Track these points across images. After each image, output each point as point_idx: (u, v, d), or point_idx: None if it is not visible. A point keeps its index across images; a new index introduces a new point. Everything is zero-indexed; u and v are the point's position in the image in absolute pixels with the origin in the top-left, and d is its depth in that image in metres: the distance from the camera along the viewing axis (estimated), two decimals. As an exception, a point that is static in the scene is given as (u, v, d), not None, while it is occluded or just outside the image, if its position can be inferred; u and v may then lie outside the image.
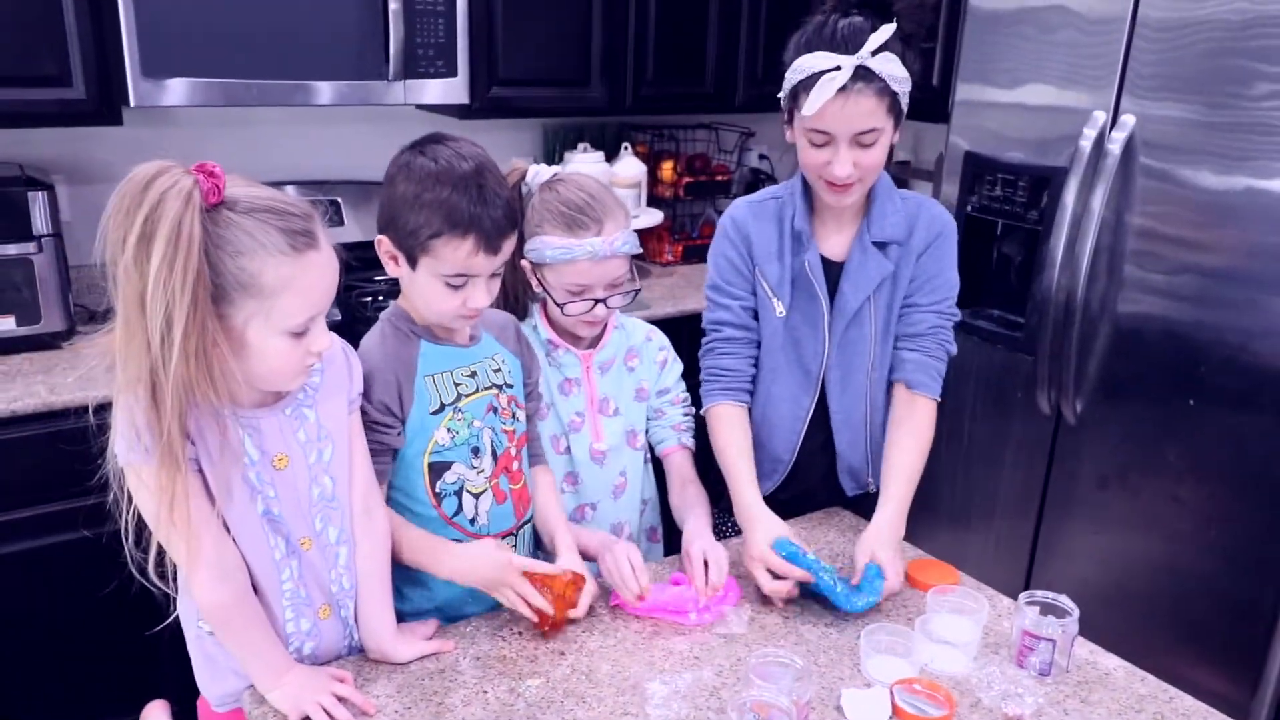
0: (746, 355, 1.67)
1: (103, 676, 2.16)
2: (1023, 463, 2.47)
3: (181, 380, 1.03)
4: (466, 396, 1.39)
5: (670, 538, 1.78)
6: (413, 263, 1.31)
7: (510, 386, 1.46)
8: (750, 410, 1.71)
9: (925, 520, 2.66)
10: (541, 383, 1.61)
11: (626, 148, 3.13)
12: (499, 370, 1.45)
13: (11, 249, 2.16)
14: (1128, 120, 2.14)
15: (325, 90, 2.43)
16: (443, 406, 1.37)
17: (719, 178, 3.37)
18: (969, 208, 2.45)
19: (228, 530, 1.15)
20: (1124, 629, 2.03)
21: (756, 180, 3.61)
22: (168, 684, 1.62)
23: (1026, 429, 2.44)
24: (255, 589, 1.19)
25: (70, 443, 1.87)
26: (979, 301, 2.50)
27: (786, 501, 1.76)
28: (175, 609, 1.25)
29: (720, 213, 3.42)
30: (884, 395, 1.70)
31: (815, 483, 1.74)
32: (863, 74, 1.43)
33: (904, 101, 1.51)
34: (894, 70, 1.45)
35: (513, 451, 1.45)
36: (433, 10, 2.52)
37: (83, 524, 1.99)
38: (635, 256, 1.61)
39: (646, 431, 1.73)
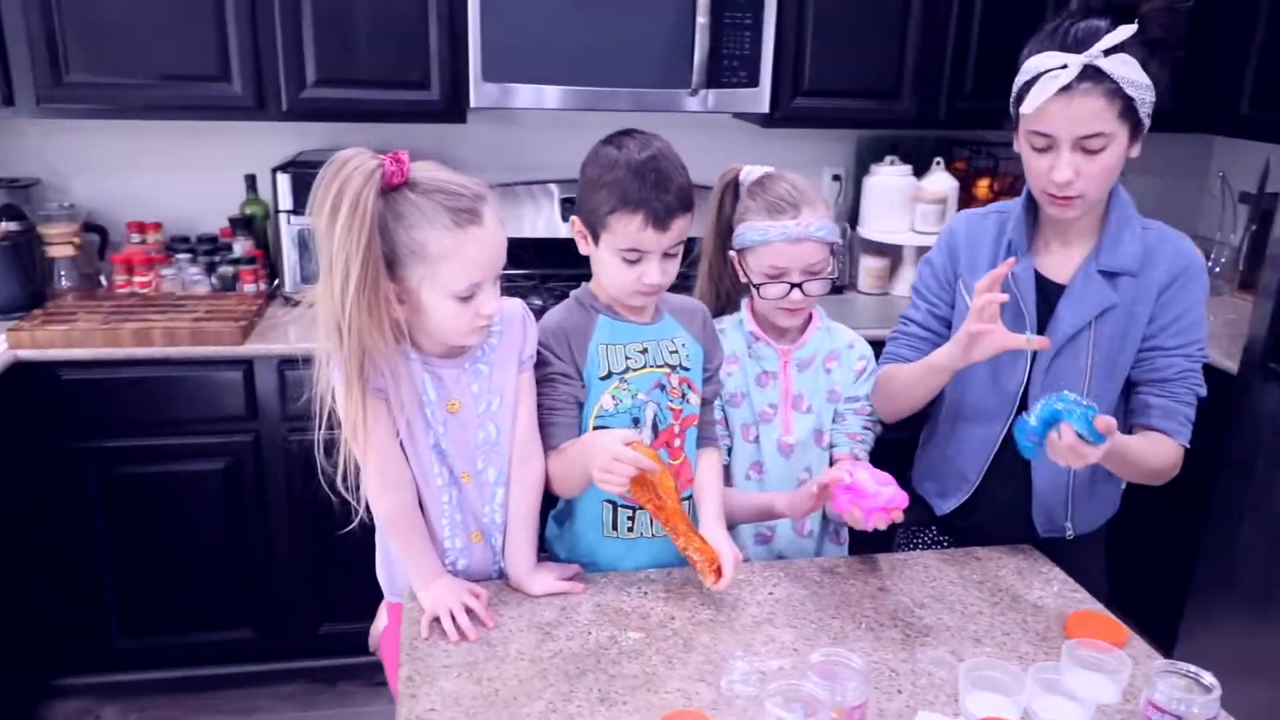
0: (924, 352, 1.65)
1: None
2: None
3: (357, 328, 1.25)
4: (635, 370, 1.51)
5: (855, 545, 1.79)
6: (596, 239, 1.47)
7: (687, 370, 1.56)
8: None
9: (1216, 598, 2.35)
10: (739, 373, 1.69)
11: (939, 162, 3.05)
12: (676, 352, 1.55)
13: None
14: None
15: (635, 97, 2.67)
16: (610, 374, 1.51)
17: (1045, 199, 3.16)
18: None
19: (406, 454, 1.38)
20: None
21: (1097, 205, 3.34)
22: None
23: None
24: (423, 506, 1.42)
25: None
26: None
27: (969, 530, 1.69)
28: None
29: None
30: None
31: (1005, 515, 1.65)
32: (1091, 74, 1.38)
33: (1143, 111, 1.42)
34: (1129, 74, 1.38)
35: (676, 429, 1.55)
36: (740, 23, 2.66)
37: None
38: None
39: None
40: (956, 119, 2.94)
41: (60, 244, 2.68)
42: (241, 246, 2.83)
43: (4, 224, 2.60)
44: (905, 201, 3.02)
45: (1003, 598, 1.48)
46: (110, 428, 2.41)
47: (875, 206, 3.06)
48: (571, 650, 1.32)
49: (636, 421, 1.51)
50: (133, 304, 2.56)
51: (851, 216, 3.20)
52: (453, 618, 1.35)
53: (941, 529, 1.75)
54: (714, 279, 1.78)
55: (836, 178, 3.26)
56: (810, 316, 1.74)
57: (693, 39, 2.62)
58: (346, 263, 1.23)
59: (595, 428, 1.51)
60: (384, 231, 1.26)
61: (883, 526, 1.46)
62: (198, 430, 2.46)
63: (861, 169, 3.16)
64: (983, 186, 3.11)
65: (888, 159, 3.05)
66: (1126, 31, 1.38)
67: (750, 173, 1.71)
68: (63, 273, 2.70)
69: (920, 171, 3.07)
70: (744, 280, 1.70)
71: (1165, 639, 2.61)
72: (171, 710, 2.60)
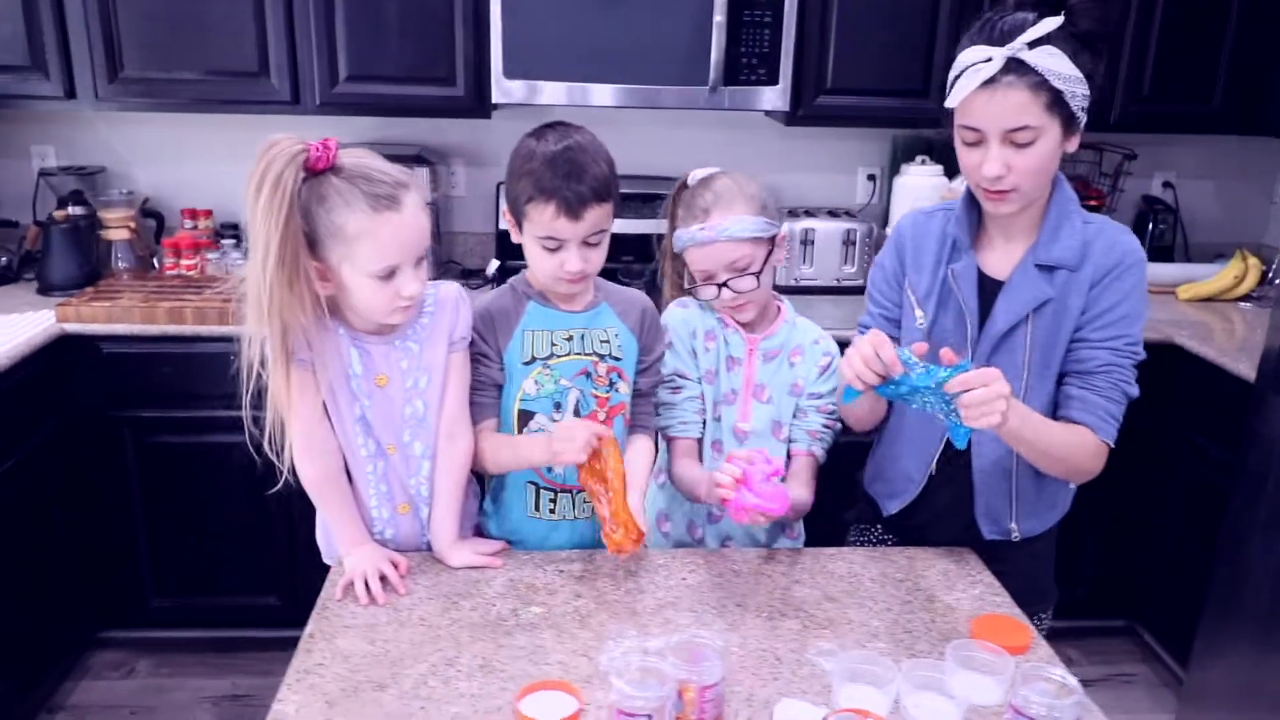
0: None
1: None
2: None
3: (278, 301, 1.33)
4: (559, 356, 1.56)
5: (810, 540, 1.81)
6: (520, 227, 1.52)
7: (618, 360, 1.60)
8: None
9: (1227, 623, 2.23)
10: (715, 351, 1.70)
11: (973, 163, 2.99)
12: (607, 342, 1.59)
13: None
14: None
15: (654, 94, 2.71)
16: (534, 359, 1.56)
17: (1090, 203, 3.05)
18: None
19: (332, 423, 1.46)
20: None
21: (1151, 212, 3.21)
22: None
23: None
24: (351, 475, 1.49)
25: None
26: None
27: (912, 529, 1.68)
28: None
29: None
30: None
31: (948, 515, 1.63)
32: (1015, 66, 1.37)
33: (1075, 104, 1.40)
34: (1055, 66, 1.36)
35: (600, 416, 1.58)
36: (759, 21, 2.67)
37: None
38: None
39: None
40: (989, 118, 2.87)
41: (117, 228, 2.88)
42: (283, 234, 2.98)
43: (69, 208, 2.82)
44: (935, 202, 2.96)
45: (918, 597, 1.47)
46: (146, 399, 2.58)
47: (904, 207, 3.00)
48: (471, 620, 1.38)
49: (558, 406, 1.56)
50: (175, 285, 2.73)
51: (883, 216, 3.16)
52: (367, 584, 1.42)
53: (888, 528, 1.73)
54: (675, 279, 1.80)
55: (871, 177, 3.22)
56: (779, 310, 1.75)
57: (710, 37, 2.64)
58: (267, 239, 1.31)
59: (519, 412, 1.57)
60: (307, 213, 1.34)
61: (749, 520, 1.46)
62: (225, 405, 2.60)
63: (895, 169, 3.12)
64: (1019, 188, 3.02)
65: (918, 159, 3.00)
66: (1052, 24, 1.36)
67: (696, 176, 1.73)
68: (119, 254, 2.90)
69: (955, 172, 3.01)
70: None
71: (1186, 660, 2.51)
72: (199, 667, 2.78)
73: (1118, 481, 2.80)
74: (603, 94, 2.70)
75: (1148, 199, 3.25)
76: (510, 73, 2.66)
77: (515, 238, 1.56)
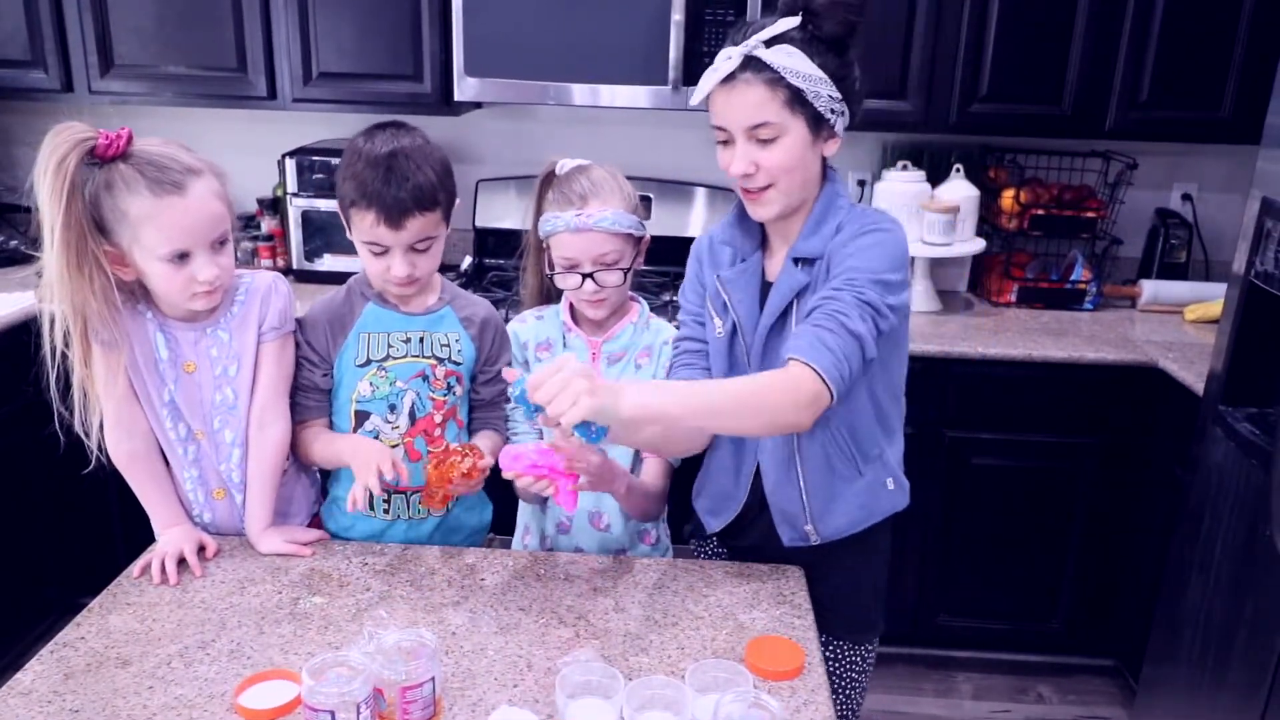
0: (701, 367, 1.59)
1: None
2: (1263, 617, 1.79)
3: (66, 285, 1.36)
4: (396, 358, 1.55)
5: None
6: (350, 228, 1.52)
7: (457, 364, 1.59)
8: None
9: (1165, 670, 2.06)
10: (546, 363, 1.69)
11: (958, 169, 2.86)
12: (447, 346, 1.58)
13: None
14: None
15: (616, 93, 2.69)
16: (369, 361, 1.55)
17: (1088, 214, 2.86)
18: (1253, 273, 1.83)
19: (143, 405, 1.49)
20: None
21: (1163, 226, 3.00)
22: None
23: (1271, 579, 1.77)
24: (167, 458, 1.52)
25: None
26: (1253, 398, 1.86)
27: (745, 550, 1.62)
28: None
29: (1099, 255, 2.92)
30: (819, 435, 1.46)
31: (771, 535, 1.55)
32: (751, 63, 1.36)
33: (820, 104, 1.37)
34: (793, 64, 1.35)
35: (436, 419, 1.57)
36: (722, 20, 2.61)
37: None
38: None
39: None
40: (970, 123, 2.74)
41: (112, 215, 3.02)
42: (268, 225, 3.08)
43: (72, 196, 2.97)
44: (917, 210, 2.84)
45: (713, 614, 1.40)
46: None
47: (884, 214, 2.90)
48: (248, 605, 1.38)
49: (393, 408, 1.55)
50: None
51: (865, 224, 3.05)
52: (164, 564, 1.45)
53: (721, 542, 1.68)
54: (537, 270, 1.77)
55: (861, 183, 3.11)
56: (630, 310, 1.71)
57: (669, 35, 2.60)
58: (52, 223, 1.34)
59: (355, 413, 1.57)
60: (97, 200, 1.37)
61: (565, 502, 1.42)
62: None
63: (877, 173, 3.00)
64: (1007, 198, 2.87)
65: (899, 164, 2.88)
66: (788, 24, 1.36)
67: (564, 165, 1.70)
68: (115, 241, 3.04)
69: (939, 179, 2.88)
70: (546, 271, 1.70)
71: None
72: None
73: (1101, 510, 2.65)
74: (563, 92, 2.69)
75: (1161, 212, 3.03)
76: (471, 70, 2.68)
77: (350, 237, 1.56)
